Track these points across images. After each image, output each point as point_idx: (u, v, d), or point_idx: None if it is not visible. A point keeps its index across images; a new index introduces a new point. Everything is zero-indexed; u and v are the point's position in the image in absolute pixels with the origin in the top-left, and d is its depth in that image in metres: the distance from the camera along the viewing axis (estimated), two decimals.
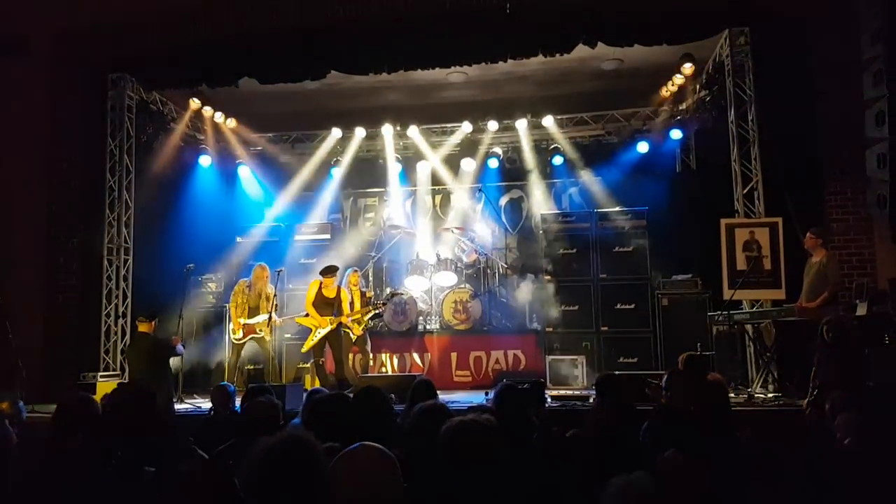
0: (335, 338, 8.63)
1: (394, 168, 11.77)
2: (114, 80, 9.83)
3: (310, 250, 10.87)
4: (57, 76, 9.68)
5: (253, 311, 8.91)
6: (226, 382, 6.06)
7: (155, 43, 9.25)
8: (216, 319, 10.13)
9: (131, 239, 9.88)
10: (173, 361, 7.96)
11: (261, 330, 8.85)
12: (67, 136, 9.63)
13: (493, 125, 11.31)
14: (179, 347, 7.76)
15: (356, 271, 9.37)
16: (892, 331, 6.60)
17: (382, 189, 12.13)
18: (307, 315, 8.72)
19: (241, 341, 8.92)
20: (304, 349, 8.83)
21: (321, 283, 8.70)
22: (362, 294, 9.18)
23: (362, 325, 8.99)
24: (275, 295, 8.90)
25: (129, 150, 9.95)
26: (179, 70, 9.46)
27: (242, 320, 8.89)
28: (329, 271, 8.72)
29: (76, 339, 9.34)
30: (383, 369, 9.67)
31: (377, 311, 9.42)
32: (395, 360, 9.80)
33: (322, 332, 8.57)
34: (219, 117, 11.02)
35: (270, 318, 8.74)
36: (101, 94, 9.77)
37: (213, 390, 5.98)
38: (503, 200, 12.24)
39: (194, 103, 10.49)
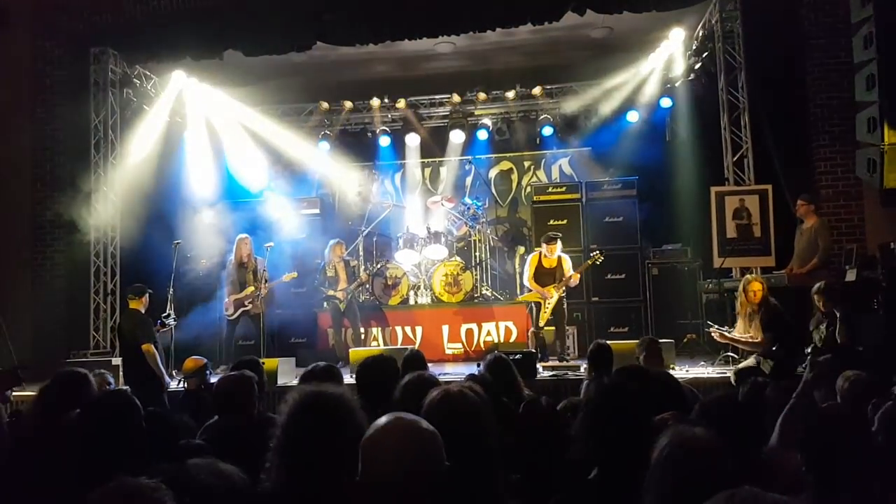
0: (560, 308, 8.42)
1: (382, 141, 11.67)
2: (96, 54, 9.68)
3: (299, 225, 10.79)
4: (38, 50, 9.53)
5: (242, 286, 8.88)
6: (198, 356, 5.95)
7: (137, 16, 9.10)
8: (206, 295, 10.05)
9: (118, 215, 9.79)
10: (165, 337, 7.91)
11: (249, 303, 8.81)
12: (50, 113, 9.51)
13: (482, 96, 11.22)
14: (170, 320, 7.70)
15: (340, 243, 9.32)
16: (880, 296, 6.64)
17: (371, 162, 12.05)
18: (530, 291, 8.58)
19: (234, 317, 8.89)
20: (542, 323, 8.51)
21: (541, 254, 8.47)
22: (346, 263, 9.16)
23: (348, 297, 9.00)
24: (264, 269, 8.84)
25: (113, 125, 9.85)
26: (163, 43, 9.30)
27: (233, 297, 8.86)
28: (551, 239, 8.45)
29: (65, 317, 9.29)
30: (374, 343, 9.66)
31: (361, 283, 9.42)
32: (387, 334, 9.79)
33: (552, 301, 8.31)
34: (204, 91, 10.87)
35: (258, 290, 8.70)
36: (83, 69, 9.61)
37: (185, 363, 5.91)
38: (493, 172, 12.17)
39: (179, 77, 10.33)
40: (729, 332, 6.77)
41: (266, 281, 8.84)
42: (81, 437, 2.86)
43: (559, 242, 8.49)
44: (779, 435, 2.97)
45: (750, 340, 6.50)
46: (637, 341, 6.07)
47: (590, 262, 8.64)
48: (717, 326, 6.99)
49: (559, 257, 8.45)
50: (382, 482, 1.70)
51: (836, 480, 2.28)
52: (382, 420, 1.80)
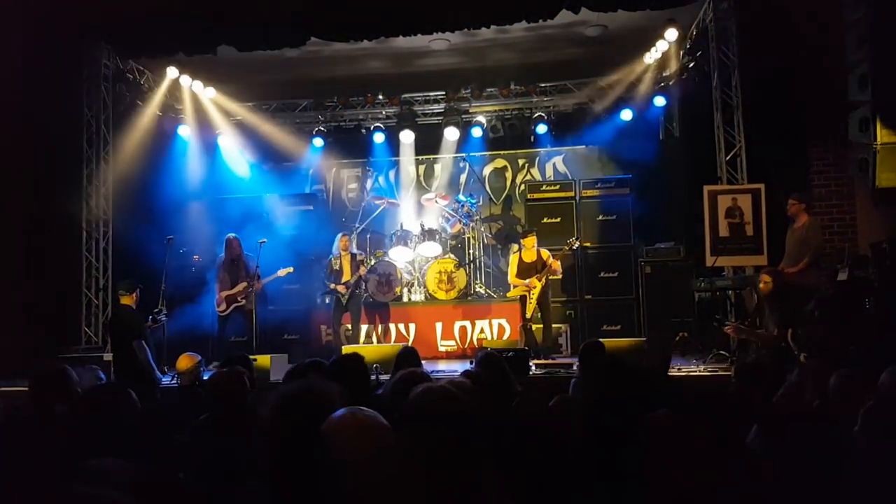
0: (544, 298, 8.53)
1: (376, 137, 11.65)
2: (89, 48, 9.62)
3: (292, 221, 10.76)
4: (31, 44, 9.45)
5: (234, 283, 8.86)
6: (193, 353, 5.91)
7: (131, 10, 9.03)
8: (199, 291, 10.02)
9: (110, 211, 9.77)
10: (157, 332, 7.89)
11: (242, 299, 8.80)
12: (42, 107, 9.44)
13: (476, 93, 11.21)
14: (162, 316, 7.67)
15: (345, 235, 9.34)
16: (872, 296, 6.66)
17: (365, 159, 12.03)
18: (515, 288, 8.65)
19: (226, 313, 8.87)
20: (528, 314, 8.57)
21: (520, 253, 8.64)
22: (353, 257, 9.17)
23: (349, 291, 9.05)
24: (256, 266, 8.83)
25: (106, 120, 9.81)
26: (156, 38, 9.25)
27: (224, 293, 8.85)
28: (527, 233, 8.66)
29: (57, 313, 9.25)
30: (367, 340, 9.65)
31: (360, 275, 9.40)
32: (380, 331, 9.78)
33: (536, 290, 8.40)
34: (197, 86, 10.82)
35: (251, 285, 8.69)
36: (76, 63, 9.57)
37: (179, 359, 5.88)
38: (487, 170, 12.17)
39: (172, 72, 10.29)
40: (746, 325, 6.78)
41: (259, 277, 8.83)
42: (74, 432, 2.84)
43: (535, 236, 8.64)
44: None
45: (766, 334, 6.47)
46: (643, 339, 6.02)
47: (566, 247, 8.74)
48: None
49: (538, 251, 8.57)
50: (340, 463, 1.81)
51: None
52: (339, 412, 1.93)
